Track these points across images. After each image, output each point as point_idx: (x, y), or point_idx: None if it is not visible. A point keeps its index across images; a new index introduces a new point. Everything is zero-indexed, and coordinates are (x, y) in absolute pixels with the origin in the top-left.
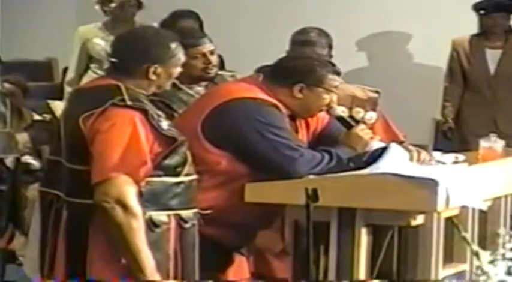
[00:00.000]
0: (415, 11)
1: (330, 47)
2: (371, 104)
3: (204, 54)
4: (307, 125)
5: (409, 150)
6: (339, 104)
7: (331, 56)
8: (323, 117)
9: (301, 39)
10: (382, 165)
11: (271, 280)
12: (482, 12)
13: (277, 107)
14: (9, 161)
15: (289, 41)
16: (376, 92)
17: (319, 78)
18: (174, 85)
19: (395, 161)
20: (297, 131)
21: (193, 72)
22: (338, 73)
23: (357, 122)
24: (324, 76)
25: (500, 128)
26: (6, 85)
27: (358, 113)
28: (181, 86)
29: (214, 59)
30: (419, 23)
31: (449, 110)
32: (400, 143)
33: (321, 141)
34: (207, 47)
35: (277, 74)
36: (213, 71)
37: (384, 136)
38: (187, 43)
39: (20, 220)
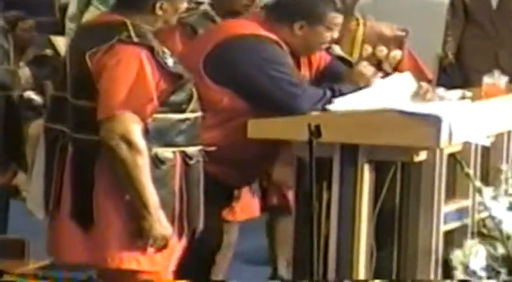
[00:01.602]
0: None
1: None
2: (396, 43)
3: None
4: (310, 62)
5: (420, 85)
6: (364, 42)
7: None
8: (326, 55)
9: None
10: (359, 96)
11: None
12: None
13: (278, 44)
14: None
15: None
16: (404, 30)
17: (320, 15)
18: (208, 16)
19: (385, 92)
20: (299, 68)
21: (235, 6)
22: (339, 10)
23: (380, 60)
24: (324, 13)
25: (501, 63)
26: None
27: (381, 51)
28: (216, 19)
29: (258, 1)
30: None
31: (450, 45)
32: (428, 81)
33: (325, 78)
34: None
35: (278, 11)
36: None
37: (412, 74)
38: None
39: (22, 157)
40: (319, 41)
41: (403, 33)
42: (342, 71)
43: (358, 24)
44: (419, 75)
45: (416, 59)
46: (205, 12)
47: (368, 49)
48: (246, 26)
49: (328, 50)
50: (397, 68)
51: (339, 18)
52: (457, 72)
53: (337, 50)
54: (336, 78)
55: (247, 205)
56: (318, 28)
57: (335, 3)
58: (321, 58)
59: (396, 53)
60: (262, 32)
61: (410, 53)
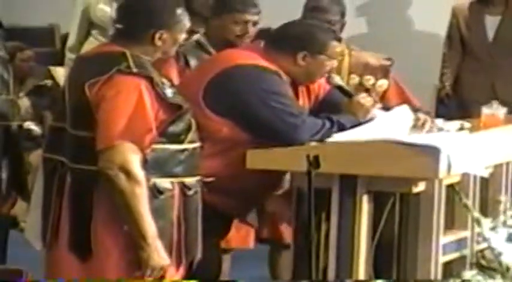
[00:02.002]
0: None
1: (343, 14)
2: (382, 72)
3: (246, 22)
4: (309, 92)
5: (417, 117)
6: (350, 72)
7: (343, 24)
8: (325, 84)
9: (313, 6)
10: (359, 131)
11: (276, 245)
12: None
13: (278, 74)
14: (13, 127)
15: (303, 7)
16: (389, 59)
17: (322, 45)
18: (202, 47)
19: (385, 126)
20: (298, 98)
21: (228, 36)
22: (339, 39)
23: (367, 89)
24: (326, 43)
25: (499, 94)
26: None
27: (369, 80)
28: (211, 50)
29: (252, 31)
30: None
31: (447, 77)
32: (415, 110)
33: (323, 108)
34: (253, 17)
35: (279, 42)
36: (245, 41)
37: (398, 103)
38: (235, 7)
39: (23, 186)
40: (321, 70)
41: (389, 62)
42: (341, 101)
43: (343, 55)
44: (406, 104)
45: (403, 89)
46: (198, 42)
47: (355, 79)
48: (246, 56)
49: (328, 79)
50: (384, 97)
51: (338, 47)
52: (455, 103)
53: (336, 79)
54: (335, 108)
55: (244, 234)
56: (320, 58)
57: (335, 32)
58: (319, 87)
59: (383, 82)
60: (262, 62)
61: (396, 82)
